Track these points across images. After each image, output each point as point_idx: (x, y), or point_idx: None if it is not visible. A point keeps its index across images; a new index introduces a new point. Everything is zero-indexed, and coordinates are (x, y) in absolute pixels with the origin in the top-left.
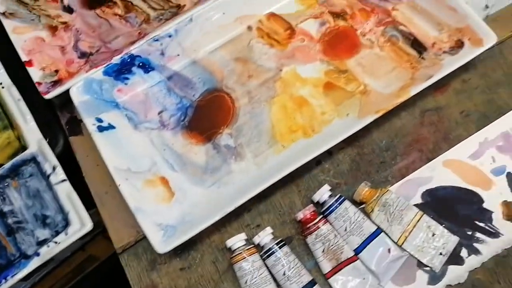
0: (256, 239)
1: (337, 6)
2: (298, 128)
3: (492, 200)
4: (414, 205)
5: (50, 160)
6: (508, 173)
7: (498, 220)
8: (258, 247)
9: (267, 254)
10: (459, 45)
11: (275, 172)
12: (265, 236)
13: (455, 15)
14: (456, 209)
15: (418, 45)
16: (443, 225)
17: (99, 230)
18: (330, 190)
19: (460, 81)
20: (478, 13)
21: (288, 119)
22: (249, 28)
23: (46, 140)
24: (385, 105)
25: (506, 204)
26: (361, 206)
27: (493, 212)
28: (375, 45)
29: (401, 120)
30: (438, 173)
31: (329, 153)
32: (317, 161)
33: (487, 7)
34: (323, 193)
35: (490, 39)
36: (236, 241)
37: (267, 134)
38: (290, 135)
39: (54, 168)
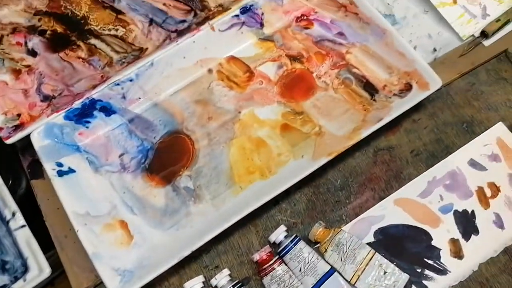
0: (213, 282)
1: (294, 49)
2: (255, 169)
3: (440, 238)
4: (367, 243)
5: (9, 206)
6: (455, 211)
7: (446, 257)
8: None
9: None
10: (408, 88)
11: (233, 214)
12: (222, 279)
13: (404, 59)
14: (406, 246)
15: (370, 88)
16: (394, 263)
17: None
18: (287, 230)
19: (411, 121)
20: (427, 56)
21: (246, 160)
22: (210, 71)
23: (8, 182)
24: (338, 147)
25: (453, 241)
26: (316, 246)
27: (441, 249)
28: (330, 87)
29: (355, 160)
30: (390, 211)
31: (286, 193)
32: (274, 201)
33: (435, 50)
34: (279, 234)
35: (435, 83)
36: (194, 283)
37: (226, 176)
38: (248, 177)
39: (13, 214)
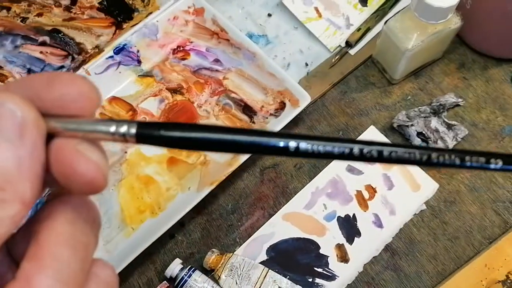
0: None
1: (174, 82)
2: (146, 207)
3: (327, 245)
4: (261, 262)
5: None
6: (339, 217)
7: (333, 263)
8: None
9: None
10: (282, 106)
11: (125, 256)
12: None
13: (275, 79)
14: (297, 259)
15: (249, 110)
16: (287, 277)
17: None
18: (183, 262)
19: None
20: (300, 71)
21: (136, 200)
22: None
23: None
24: (219, 175)
25: (339, 247)
26: (212, 274)
27: (328, 256)
28: (211, 114)
29: (244, 181)
30: (279, 227)
31: (181, 224)
32: (170, 235)
33: (307, 64)
34: (173, 268)
35: (304, 99)
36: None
37: (117, 219)
38: (139, 216)
39: None
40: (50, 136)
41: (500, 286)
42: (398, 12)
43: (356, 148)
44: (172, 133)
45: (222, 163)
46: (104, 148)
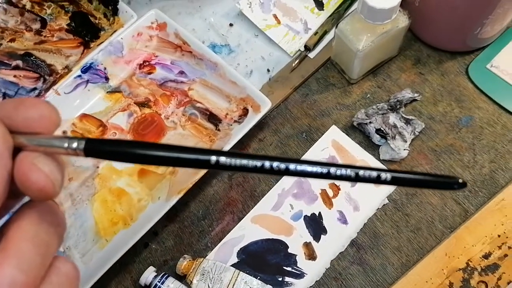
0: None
1: (141, 95)
2: (118, 219)
3: (295, 244)
4: (232, 265)
5: None
6: (305, 216)
7: (301, 261)
8: None
9: None
10: (245, 112)
11: (100, 267)
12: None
13: (237, 87)
14: (267, 259)
15: (214, 119)
16: (258, 277)
17: None
18: (158, 269)
19: (257, 140)
20: (262, 77)
21: (109, 212)
22: (64, 132)
23: None
24: (187, 183)
25: (306, 245)
26: (185, 279)
27: (296, 255)
28: (178, 125)
29: (213, 188)
30: (248, 230)
31: (154, 234)
32: (144, 244)
33: (269, 70)
34: (147, 276)
35: (265, 104)
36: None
37: (92, 232)
38: (112, 228)
39: None
40: (19, 151)
41: (460, 274)
42: (348, 15)
43: (267, 163)
44: (112, 148)
45: (190, 172)
46: (62, 161)
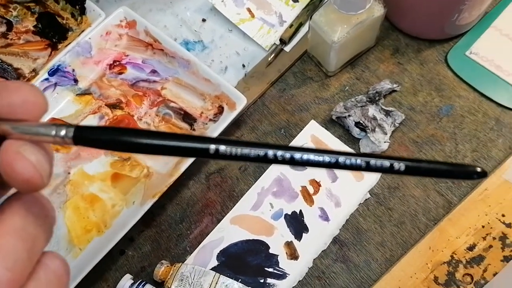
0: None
1: (112, 97)
2: (92, 226)
3: (276, 244)
4: (212, 268)
5: None
6: (286, 215)
7: (283, 261)
8: None
9: None
10: (220, 110)
11: (75, 277)
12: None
13: (211, 85)
14: (247, 261)
15: (188, 118)
16: (239, 280)
17: None
18: (135, 277)
19: (235, 139)
20: (238, 73)
21: (83, 219)
22: None
23: None
24: (161, 186)
25: (288, 244)
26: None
27: (278, 255)
28: (152, 126)
29: (190, 189)
30: (228, 231)
31: (130, 239)
32: (120, 251)
33: (244, 66)
34: (123, 284)
35: (241, 101)
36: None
37: (65, 240)
38: (86, 236)
39: None
40: (3, 139)
41: (445, 267)
42: (322, 6)
43: (270, 152)
44: (103, 136)
45: (165, 174)
46: (51, 150)
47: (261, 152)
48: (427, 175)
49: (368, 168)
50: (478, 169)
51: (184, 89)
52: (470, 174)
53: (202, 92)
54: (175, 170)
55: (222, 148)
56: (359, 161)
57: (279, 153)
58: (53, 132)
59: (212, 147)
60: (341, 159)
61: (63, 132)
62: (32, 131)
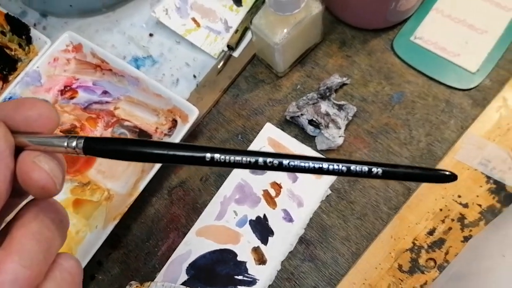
0: None
1: (66, 122)
2: None
3: (244, 251)
4: (182, 283)
5: None
6: (250, 221)
7: (252, 267)
8: None
9: None
10: (174, 124)
11: None
12: None
13: (162, 99)
14: (217, 271)
15: (144, 135)
16: None
17: None
18: None
19: None
20: (190, 84)
21: None
22: None
23: None
24: (122, 207)
25: (254, 250)
26: None
27: (246, 261)
28: None
29: (154, 206)
30: (195, 244)
31: (98, 263)
32: (91, 276)
33: (195, 76)
34: None
35: (193, 113)
36: None
37: None
38: None
39: None
40: (21, 150)
41: (408, 254)
42: (260, 9)
43: (260, 159)
44: (110, 147)
45: (125, 194)
46: (63, 160)
47: (252, 159)
48: (403, 179)
49: (349, 173)
50: (447, 173)
51: (137, 106)
52: (440, 177)
53: (155, 107)
54: (134, 190)
55: (217, 156)
56: (341, 166)
57: (269, 160)
58: (65, 143)
59: (208, 155)
60: (325, 165)
61: (74, 143)
62: (46, 142)
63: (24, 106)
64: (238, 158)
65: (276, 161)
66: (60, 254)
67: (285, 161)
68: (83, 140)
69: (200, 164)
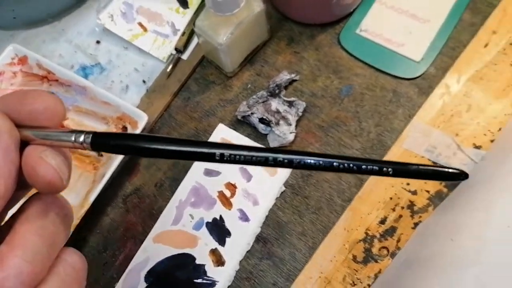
0: None
1: None
2: None
3: (202, 254)
4: None
5: None
6: (207, 223)
7: (211, 269)
8: None
9: None
10: (125, 131)
11: None
12: None
13: (111, 107)
14: (176, 276)
15: None
16: None
17: None
18: None
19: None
20: (139, 90)
21: None
22: None
23: None
24: (74, 220)
25: (212, 252)
26: None
27: (205, 264)
28: None
29: (109, 215)
30: (152, 251)
31: None
32: None
33: (144, 82)
34: None
35: (142, 119)
36: None
37: None
38: None
39: None
40: (26, 144)
41: (361, 245)
42: (202, 11)
43: (271, 157)
44: (119, 142)
45: (77, 206)
46: (69, 155)
47: (262, 157)
48: (412, 177)
49: (360, 171)
50: (456, 171)
51: (86, 116)
52: (450, 175)
53: (104, 115)
54: (85, 201)
55: (226, 153)
56: (351, 165)
57: (279, 157)
58: (73, 138)
59: (218, 152)
60: (336, 163)
61: (81, 138)
62: (52, 137)
63: (29, 98)
64: (248, 156)
65: (286, 159)
66: (64, 249)
67: (296, 159)
68: (91, 135)
69: (211, 160)
